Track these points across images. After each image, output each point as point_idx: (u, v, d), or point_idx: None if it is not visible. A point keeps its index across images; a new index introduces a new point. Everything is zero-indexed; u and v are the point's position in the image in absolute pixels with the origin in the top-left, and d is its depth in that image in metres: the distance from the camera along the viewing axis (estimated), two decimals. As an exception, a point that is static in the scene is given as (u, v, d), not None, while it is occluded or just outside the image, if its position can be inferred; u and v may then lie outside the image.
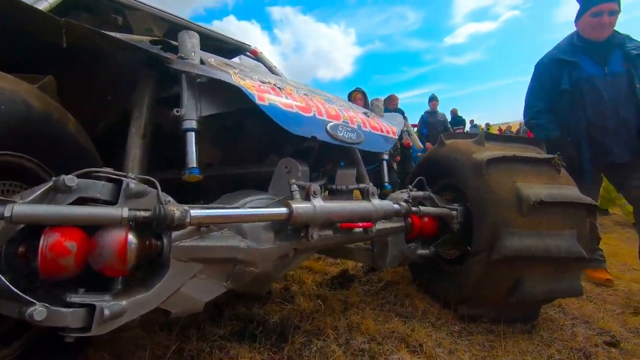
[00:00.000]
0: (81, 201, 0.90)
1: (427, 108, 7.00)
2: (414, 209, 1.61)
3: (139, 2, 2.53)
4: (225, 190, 1.42)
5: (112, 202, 0.93)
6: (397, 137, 1.67)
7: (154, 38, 1.29)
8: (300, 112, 1.23)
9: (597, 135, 2.19)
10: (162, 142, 1.30)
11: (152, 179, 1.00)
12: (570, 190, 1.65)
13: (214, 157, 1.74)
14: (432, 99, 6.97)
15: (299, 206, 1.14)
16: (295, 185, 1.21)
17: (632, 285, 2.39)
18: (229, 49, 3.35)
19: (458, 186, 1.85)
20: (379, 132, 1.53)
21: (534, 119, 2.41)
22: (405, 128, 5.25)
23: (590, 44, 2.25)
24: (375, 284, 2.15)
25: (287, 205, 1.12)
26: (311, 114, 1.26)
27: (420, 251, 1.86)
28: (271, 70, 3.14)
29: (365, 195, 1.42)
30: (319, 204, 1.18)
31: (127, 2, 2.48)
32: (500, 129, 19.74)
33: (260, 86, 1.18)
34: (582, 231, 1.62)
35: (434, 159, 2.01)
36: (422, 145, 5.03)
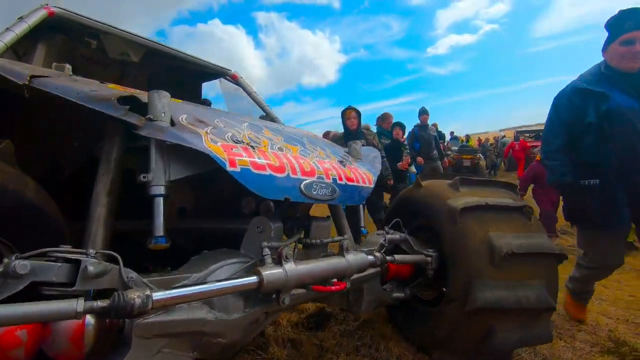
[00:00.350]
0: (34, 285, 0.85)
1: (417, 121, 6.67)
2: (388, 258, 1.61)
3: (113, 27, 2.47)
4: (198, 239, 1.39)
5: (69, 284, 0.88)
6: (373, 184, 1.67)
7: (123, 93, 1.24)
8: (273, 173, 1.21)
9: (629, 173, 1.94)
10: (132, 188, 1.25)
11: (113, 253, 0.96)
12: (541, 239, 1.68)
13: (188, 201, 1.70)
14: (423, 113, 6.67)
15: (270, 273, 1.11)
16: (267, 249, 1.18)
17: (600, 318, 2.47)
18: (210, 73, 3.33)
19: (434, 228, 1.86)
20: (355, 184, 1.53)
21: (548, 159, 2.19)
22: (403, 140, 5.18)
23: (621, 75, 2.01)
24: (352, 323, 2.14)
25: (258, 274, 1.10)
26: (284, 174, 1.24)
27: (396, 294, 1.86)
28: (250, 95, 3.12)
29: (340, 250, 1.41)
30: (290, 268, 1.16)
31: (100, 27, 2.42)
32: (479, 140, 20.23)
33: (232, 149, 1.16)
34: (552, 281, 1.66)
35: (411, 199, 2.02)
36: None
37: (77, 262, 0.89)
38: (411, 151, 5.91)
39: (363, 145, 4.00)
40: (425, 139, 6.37)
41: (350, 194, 1.49)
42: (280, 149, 1.37)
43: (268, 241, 1.23)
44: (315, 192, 1.32)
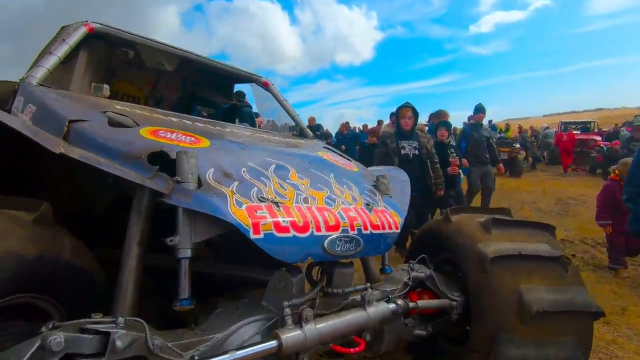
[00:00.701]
0: (68, 357, 0.91)
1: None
2: (411, 304, 1.59)
3: (149, 39, 2.51)
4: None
5: (99, 355, 0.93)
6: (400, 228, 1.62)
7: (154, 146, 1.26)
8: (297, 234, 1.20)
9: None
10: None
11: (140, 320, 1.01)
12: (577, 294, 1.59)
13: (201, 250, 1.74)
14: (479, 111, 5.79)
15: (289, 337, 1.13)
16: (287, 309, 1.20)
17: (635, 359, 2.34)
18: (242, 79, 3.34)
19: (460, 267, 1.81)
20: (381, 231, 1.50)
21: (630, 202, 2.06)
22: (448, 141, 4.69)
23: None
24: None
25: (277, 338, 1.12)
26: (308, 233, 1.23)
27: (418, 331, 1.84)
28: (281, 104, 3.10)
29: (361, 301, 1.40)
30: (310, 329, 1.17)
31: (137, 40, 2.46)
32: (520, 128, 19.16)
33: (256, 211, 1.16)
34: (585, 338, 1.57)
35: (439, 233, 1.96)
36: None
37: (107, 334, 0.94)
38: (456, 150, 5.09)
39: (415, 150, 3.92)
40: (476, 140, 5.56)
41: (375, 244, 1.47)
42: (306, 200, 1.36)
43: (289, 299, 1.24)
44: (339, 249, 1.31)
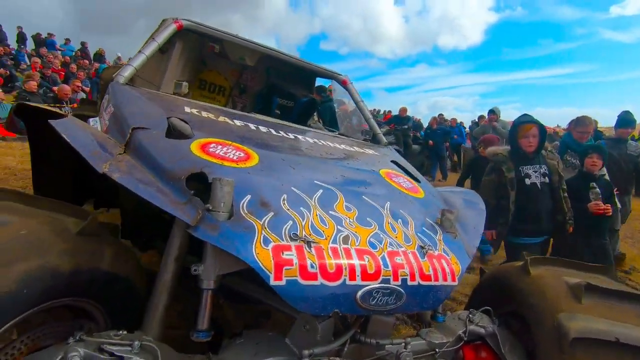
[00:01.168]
0: None
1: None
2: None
3: (232, 35, 2.57)
4: None
5: None
6: (458, 280, 1.38)
7: (197, 166, 1.25)
8: (325, 282, 1.08)
9: None
10: None
11: (155, 347, 1.01)
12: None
13: None
14: (627, 124, 4.24)
15: None
16: (307, 359, 1.10)
17: None
18: (321, 76, 3.27)
19: (530, 330, 1.50)
20: (431, 283, 1.28)
21: None
22: (601, 174, 3.35)
23: None
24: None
25: None
26: (339, 282, 1.10)
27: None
28: (357, 104, 2.95)
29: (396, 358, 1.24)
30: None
31: (221, 35, 2.53)
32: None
33: (283, 252, 1.06)
34: None
35: (511, 284, 1.64)
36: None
37: (121, 358, 0.96)
38: (601, 183, 3.39)
39: (544, 177, 2.83)
40: (617, 161, 3.98)
41: (421, 298, 1.26)
42: (346, 240, 1.21)
43: (312, 346, 1.14)
44: (374, 302, 1.15)
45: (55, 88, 8.38)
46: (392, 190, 1.71)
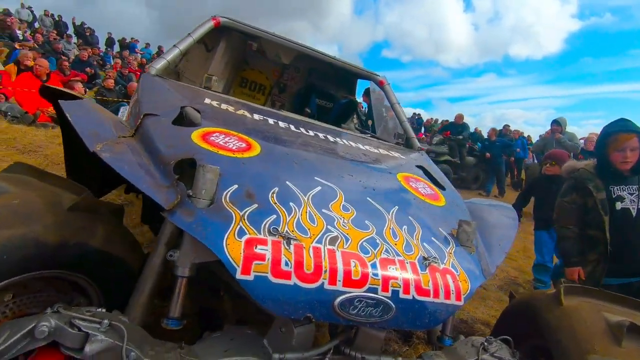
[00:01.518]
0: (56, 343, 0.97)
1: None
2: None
3: (268, 33, 2.59)
4: None
5: (79, 350, 0.97)
6: (464, 300, 1.21)
7: (189, 152, 1.24)
8: (300, 283, 1.00)
9: None
10: None
11: (123, 328, 1.00)
12: None
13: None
14: None
15: None
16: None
17: None
18: (359, 76, 3.19)
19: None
20: (429, 299, 1.14)
21: None
22: None
23: None
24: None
25: None
26: (316, 284, 1.01)
27: None
28: (392, 106, 2.81)
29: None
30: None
31: (258, 33, 2.56)
32: None
33: (256, 246, 1.00)
34: None
35: (538, 314, 1.42)
36: None
37: (87, 334, 0.96)
38: None
39: None
40: None
41: (414, 315, 1.12)
42: (333, 241, 1.12)
43: (285, 351, 1.06)
44: (354, 312, 1.04)
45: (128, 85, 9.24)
46: (405, 194, 1.57)
